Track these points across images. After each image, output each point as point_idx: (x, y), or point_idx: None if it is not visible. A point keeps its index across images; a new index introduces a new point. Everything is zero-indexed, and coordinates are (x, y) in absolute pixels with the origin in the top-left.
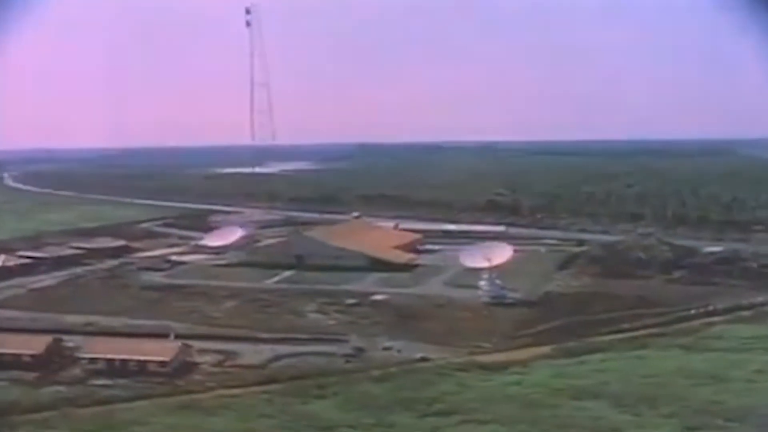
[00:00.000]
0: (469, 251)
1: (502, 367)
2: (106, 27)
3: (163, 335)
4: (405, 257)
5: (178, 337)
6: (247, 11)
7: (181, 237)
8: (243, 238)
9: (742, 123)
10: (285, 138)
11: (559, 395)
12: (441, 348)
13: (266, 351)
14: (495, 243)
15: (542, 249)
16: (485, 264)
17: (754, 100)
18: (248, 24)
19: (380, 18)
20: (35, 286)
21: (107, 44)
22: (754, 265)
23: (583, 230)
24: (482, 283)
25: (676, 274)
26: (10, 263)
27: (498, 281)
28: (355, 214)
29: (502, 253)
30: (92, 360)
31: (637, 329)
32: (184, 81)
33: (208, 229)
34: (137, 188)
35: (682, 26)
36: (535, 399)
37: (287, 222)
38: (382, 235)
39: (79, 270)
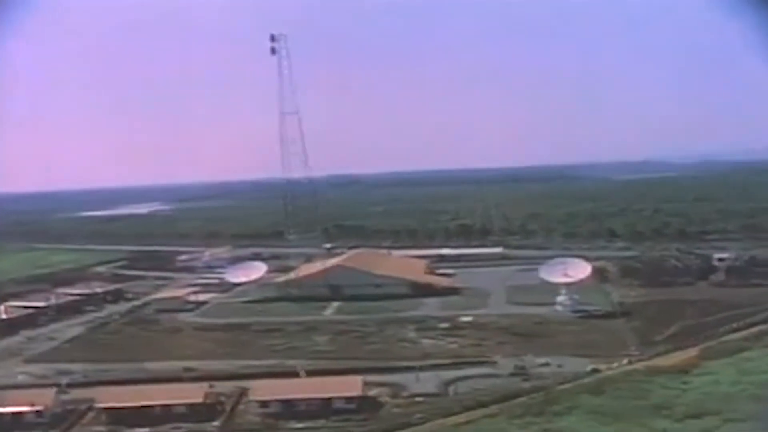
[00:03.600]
0: (547, 268)
1: (681, 370)
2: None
3: (292, 373)
4: (444, 281)
5: (309, 374)
6: (272, 38)
7: (158, 278)
8: (266, 274)
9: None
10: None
11: None
12: (593, 360)
13: (429, 378)
14: (571, 260)
15: None
16: (567, 280)
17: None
18: (273, 51)
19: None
20: (64, 336)
21: None
22: None
23: (566, 248)
24: (561, 298)
25: (713, 278)
26: (12, 314)
27: (576, 296)
28: (327, 245)
29: (582, 270)
30: (264, 403)
31: (749, 327)
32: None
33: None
34: (45, 234)
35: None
36: (759, 394)
37: (258, 258)
38: (402, 263)
39: (88, 317)
